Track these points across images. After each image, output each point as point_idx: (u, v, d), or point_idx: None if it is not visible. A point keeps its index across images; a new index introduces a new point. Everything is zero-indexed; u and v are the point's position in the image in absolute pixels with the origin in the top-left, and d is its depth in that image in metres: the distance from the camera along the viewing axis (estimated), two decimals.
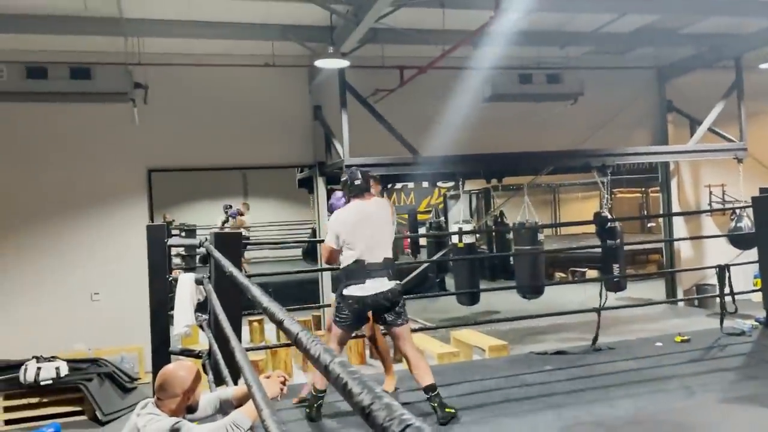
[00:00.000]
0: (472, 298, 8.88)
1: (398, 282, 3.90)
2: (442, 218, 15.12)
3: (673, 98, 10.65)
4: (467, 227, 8.99)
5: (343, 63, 7.20)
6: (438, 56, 7.91)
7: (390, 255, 3.87)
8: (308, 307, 9.20)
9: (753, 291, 6.76)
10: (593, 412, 3.79)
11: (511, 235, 11.61)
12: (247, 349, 6.05)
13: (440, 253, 8.50)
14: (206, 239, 4.17)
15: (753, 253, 6.04)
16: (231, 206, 14.44)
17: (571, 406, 3.90)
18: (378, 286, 3.77)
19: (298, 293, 10.66)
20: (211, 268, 3.90)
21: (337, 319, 3.87)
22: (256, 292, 1.63)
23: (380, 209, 3.98)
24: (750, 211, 6.31)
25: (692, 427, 3.44)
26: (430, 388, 3.68)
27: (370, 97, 8.69)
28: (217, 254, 3.04)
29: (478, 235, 16.08)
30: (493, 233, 15.02)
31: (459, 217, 9.39)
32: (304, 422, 3.92)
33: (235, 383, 4.10)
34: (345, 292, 3.80)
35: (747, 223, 8.76)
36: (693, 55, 10.03)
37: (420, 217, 16.39)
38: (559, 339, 8.66)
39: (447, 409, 3.69)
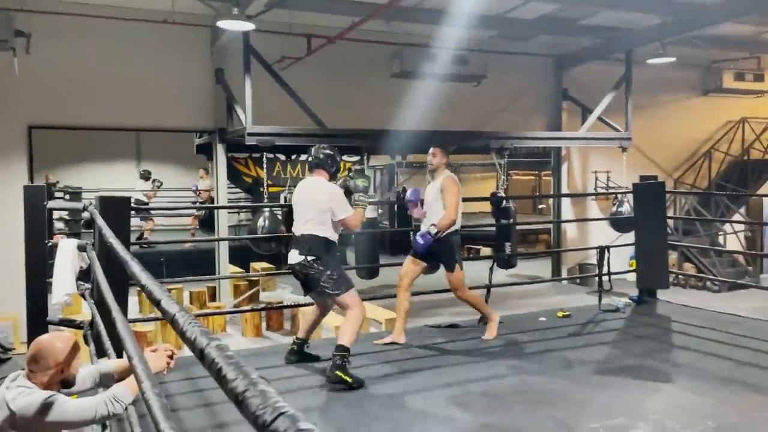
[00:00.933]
0: (372, 272, 8.97)
1: (308, 257, 4.00)
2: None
3: (568, 87, 11.17)
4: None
5: (248, 26, 6.94)
6: (348, 27, 7.81)
7: (311, 231, 4.03)
8: (203, 279, 8.92)
9: (628, 271, 7.28)
10: (481, 383, 3.95)
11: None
12: (136, 320, 5.78)
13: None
14: (91, 203, 3.91)
15: (631, 236, 6.49)
16: (150, 172, 13.67)
17: (461, 377, 4.05)
18: (293, 257, 4.08)
19: (194, 263, 10.30)
20: (95, 235, 3.66)
21: None
22: (135, 268, 1.53)
23: (317, 186, 4.15)
24: (630, 196, 6.76)
25: (570, 397, 3.67)
26: (340, 348, 3.81)
27: (276, 64, 8.45)
28: (100, 221, 2.85)
29: (380, 210, 16.24)
30: (396, 208, 15.21)
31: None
32: (190, 395, 3.81)
33: (119, 356, 3.91)
34: None
35: (627, 208, 9.41)
36: (589, 47, 10.54)
37: None
38: (453, 312, 8.95)
39: (343, 375, 3.74)
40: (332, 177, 4.28)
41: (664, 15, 8.78)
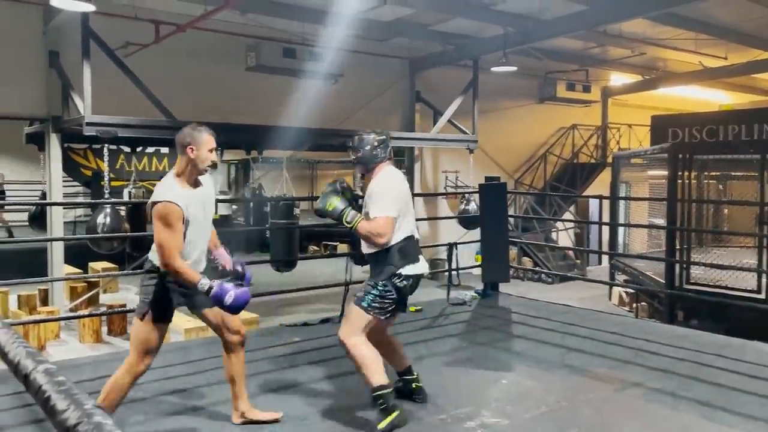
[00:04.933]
0: None
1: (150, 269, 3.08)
2: None
3: (421, 89, 11.61)
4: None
5: (88, 6, 6.38)
6: (199, 16, 7.49)
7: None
8: (34, 281, 8.11)
9: (475, 267, 7.73)
10: (335, 381, 3.98)
11: (268, 208, 11.60)
12: None
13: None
14: None
15: (477, 233, 6.90)
16: None
17: (313, 376, 4.05)
18: (424, 266, 3.46)
19: (20, 262, 9.30)
20: None
21: None
22: None
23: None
24: (476, 196, 7.18)
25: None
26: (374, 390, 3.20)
27: (120, 49, 7.89)
28: None
29: (234, 207, 15.78)
30: (251, 205, 14.86)
31: (216, 188, 9.08)
32: (17, 411, 3.44)
33: None
34: None
35: (474, 207, 9.98)
36: (440, 52, 11.04)
37: None
38: (309, 310, 8.96)
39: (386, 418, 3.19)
40: None
41: (506, 26, 9.42)
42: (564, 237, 14.08)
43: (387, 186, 3.30)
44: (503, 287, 6.68)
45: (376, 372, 3.17)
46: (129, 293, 9.86)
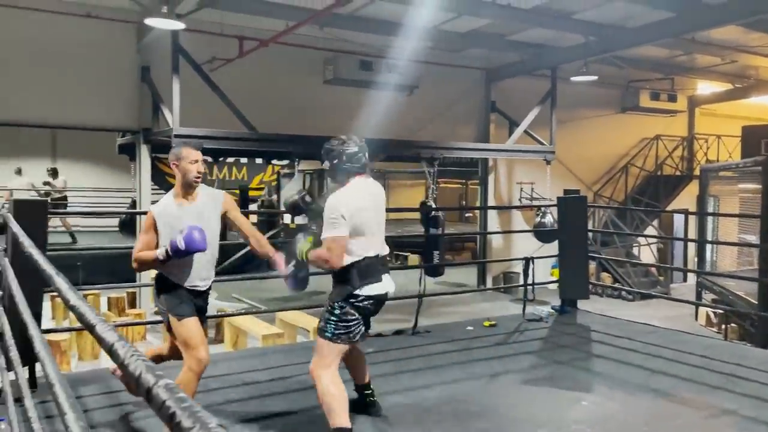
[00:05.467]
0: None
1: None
2: (275, 196, 14.90)
3: (496, 99, 11.49)
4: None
5: (178, 25, 6.72)
6: (281, 31, 7.71)
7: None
8: (121, 286, 8.55)
9: (551, 282, 7.54)
10: (409, 394, 3.96)
11: None
12: (50, 330, 5.45)
13: (270, 233, 8.36)
14: (4, 206, 3.66)
15: (552, 246, 6.72)
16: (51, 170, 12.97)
17: (389, 388, 4.05)
18: (388, 285, 3.30)
19: (111, 266, 9.83)
20: (8, 240, 3.43)
21: None
22: (63, 286, 1.43)
23: (382, 195, 3.43)
24: (553, 208, 7.02)
25: (498, 409, 3.75)
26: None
27: (206, 64, 8.24)
28: (16, 228, 2.66)
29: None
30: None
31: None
32: (107, 410, 3.63)
33: (29, 368, 3.68)
34: None
35: (550, 220, 9.74)
36: (516, 62, 10.88)
37: (252, 193, 15.98)
38: (380, 320, 8.97)
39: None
40: None
41: (587, 35, 9.18)
42: (646, 252, 13.51)
43: (339, 203, 3.05)
44: (581, 304, 6.48)
45: (340, 413, 3.01)
46: (210, 298, 10.22)
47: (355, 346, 3.36)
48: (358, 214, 3.06)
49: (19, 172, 12.83)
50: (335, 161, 3.18)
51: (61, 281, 1.52)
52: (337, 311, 3.09)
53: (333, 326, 3.09)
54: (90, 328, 1.16)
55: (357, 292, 3.07)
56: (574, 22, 8.89)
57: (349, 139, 3.24)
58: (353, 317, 3.08)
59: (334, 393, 3.03)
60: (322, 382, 3.06)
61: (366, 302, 3.10)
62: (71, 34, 7.95)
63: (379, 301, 3.18)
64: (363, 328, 3.17)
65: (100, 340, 1.08)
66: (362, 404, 3.56)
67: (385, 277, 3.18)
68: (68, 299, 1.36)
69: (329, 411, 3.04)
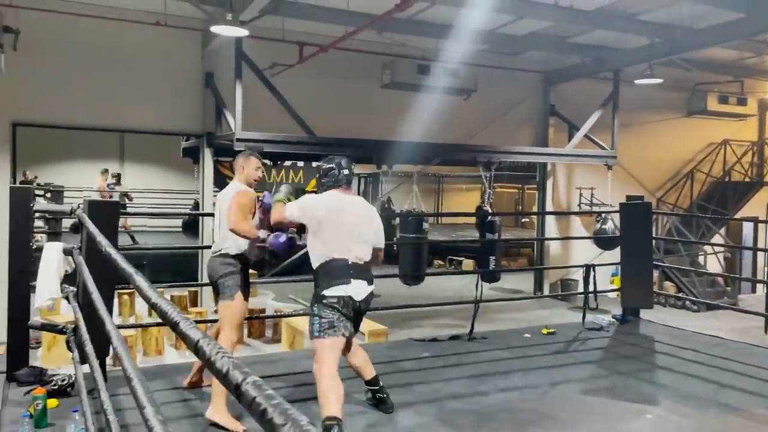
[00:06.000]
0: None
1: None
2: None
3: (555, 103, 11.27)
4: None
5: (242, 32, 6.90)
6: (341, 37, 7.81)
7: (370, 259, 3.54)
8: (184, 285, 8.84)
9: (613, 290, 7.35)
10: (466, 400, 3.94)
11: (396, 221, 11.79)
12: (119, 327, 5.67)
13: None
14: (78, 206, 3.83)
15: (612, 254, 6.55)
16: (115, 175, 13.53)
17: (446, 393, 4.03)
18: (362, 289, 3.48)
19: (173, 265, 10.18)
20: (82, 239, 3.59)
21: None
22: (143, 284, 1.50)
23: (372, 210, 3.70)
24: (614, 215, 6.84)
25: (558, 418, 3.68)
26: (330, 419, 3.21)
27: (267, 70, 8.42)
28: (91, 227, 2.79)
29: None
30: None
31: None
32: (175, 405, 3.75)
33: (100, 361, 3.83)
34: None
35: (611, 226, 9.49)
36: (577, 64, 10.66)
37: None
38: (436, 325, 8.96)
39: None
40: None
41: (653, 37, 8.91)
42: (713, 262, 12.96)
43: (303, 200, 3.53)
44: (644, 313, 6.28)
45: (332, 403, 3.15)
46: (267, 298, 10.43)
47: (353, 346, 3.64)
48: (314, 215, 3.39)
49: (105, 172, 13.36)
50: (317, 176, 3.63)
51: (141, 280, 1.59)
52: (315, 311, 3.36)
53: (317, 325, 3.32)
54: (173, 325, 1.20)
55: (324, 293, 3.33)
56: (638, 24, 8.64)
57: (329, 158, 3.60)
58: (330, 315, 3.30)
59: (329, 386, 3.21)
60: (317, 378, 3.26)
61: (334, 302, 3.31)
62: (141, 41, 8.27)
63: (349, 302, 3.34)
64: (348, 325, 3.35)
65: (184, 338, 1.11)
66: (374, 402, 3.74)
67: (357, 281, 3.36)
68: (149, 297, 1.42)
69: (323, 403, 3.19)
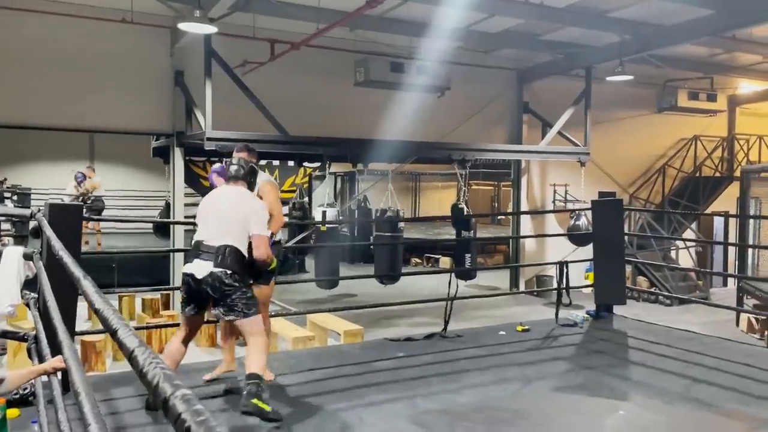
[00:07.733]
0: (332, 282, 8.89)
1: (227, 270, 3.54)
2: (306, 198, 14.95)
3: (529, 100, 11.32)
4: (331, 211, 8.95)
5: (211, 29, 6.78)
6: (312, 34, 7.72)
7: (233, 243, 3.60)
8: (157, 289, 8.69)
9: (586, 286, 7.39)
10: (440, 399, 3.90)
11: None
12: (84, 333, 5.52)
13: (301, 235, 8.39)
14: (39, 210, 3.71)
15: (586, 250, 6.58)
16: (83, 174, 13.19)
17: (420, 393, 3.99)
18: (201, 268, 3.57)
19: (146, 268, 9.99)
20: (42, 244, 3.48)
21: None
22: (89, 289, 1.42)
23: (244, 198, 3.85)
24: (587, 211, 6.87)
25: (528, 414, 3.66)
26: (252, 376, 3.46)
27: (238, 68, 8.30)
28: (49, 232, 2.69)
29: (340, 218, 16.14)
30: (356, 216, 15.14)
31: (324, 199, 9.31)
32: (139, 412, 3.65)
33: (61, 372, 3.71)
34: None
35: (584, 222, 9.56)
36: (550, 61, 10.71)
37: (283, 195, 16.08)
38: (411, 323, 8.93)
39: (261, 404, 3.38)
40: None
41: (623, 34, 8.97)
42: (684, 256, 13.14)
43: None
44: (617, 309, 6.32)
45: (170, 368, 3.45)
46: None
47: (227, 330, 4.32)
48: (200, 207, 3.89)
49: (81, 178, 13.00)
50: None
51: (87, 284, 1.52)
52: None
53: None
54: (112, 332, 1.14)
55: (183, 269, 3.71)
56: (609, 21, 8.70)
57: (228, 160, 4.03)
58: (183, 291, 3.70)
59: (165, 352, 3.76)
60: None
61: (184, 278, 3.65)
62: (107, 39, 8.09)
63: (191, 279, 3.59)
64: (190, 302, 3.68)
65: (121, 345, 1.06)
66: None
67: (198, 260, 3.60)
68: (93, 302, 1.35)
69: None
